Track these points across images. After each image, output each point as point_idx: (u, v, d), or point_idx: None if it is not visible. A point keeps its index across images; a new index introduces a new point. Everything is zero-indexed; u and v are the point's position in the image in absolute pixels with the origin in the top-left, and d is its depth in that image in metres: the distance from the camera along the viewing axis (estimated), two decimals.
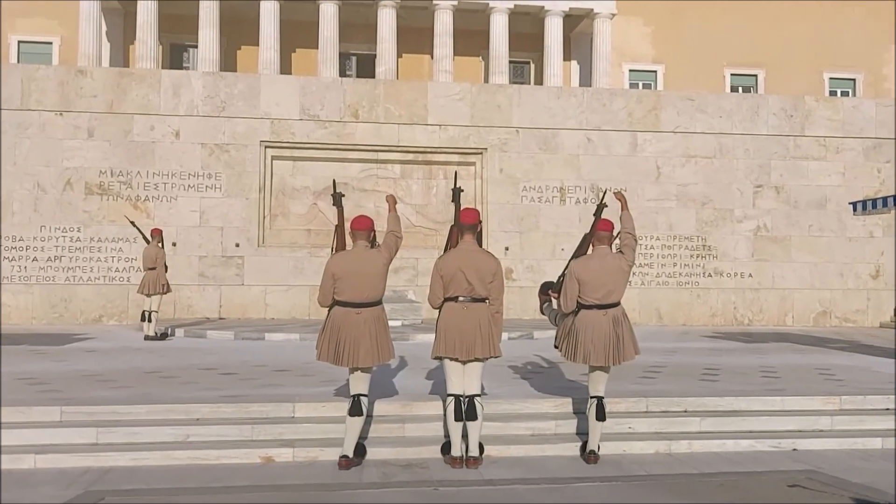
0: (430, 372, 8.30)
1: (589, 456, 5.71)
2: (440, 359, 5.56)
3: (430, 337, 7.12)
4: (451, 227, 5.61)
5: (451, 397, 5.48)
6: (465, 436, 5.51)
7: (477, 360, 5.48)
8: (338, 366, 5.55)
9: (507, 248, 16.76)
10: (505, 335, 11.16)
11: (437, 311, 5.61)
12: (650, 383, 7.84)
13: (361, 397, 5.53)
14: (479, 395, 5.51)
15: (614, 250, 5.86)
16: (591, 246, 5.89)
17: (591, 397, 5.79)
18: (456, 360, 5.47)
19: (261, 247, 16.36)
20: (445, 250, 5.62)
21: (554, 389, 7.23)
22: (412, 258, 16.47)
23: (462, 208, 5.61)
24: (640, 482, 5.23)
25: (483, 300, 5.50)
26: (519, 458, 5.80)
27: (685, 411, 6.70)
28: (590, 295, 5.69)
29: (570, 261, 5.84)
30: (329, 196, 15.65)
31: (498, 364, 8.21)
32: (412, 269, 16.55)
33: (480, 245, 5.62)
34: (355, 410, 5.49)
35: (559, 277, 5.94)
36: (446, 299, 5.50)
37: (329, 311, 5.62)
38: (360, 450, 5.68)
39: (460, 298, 5.45)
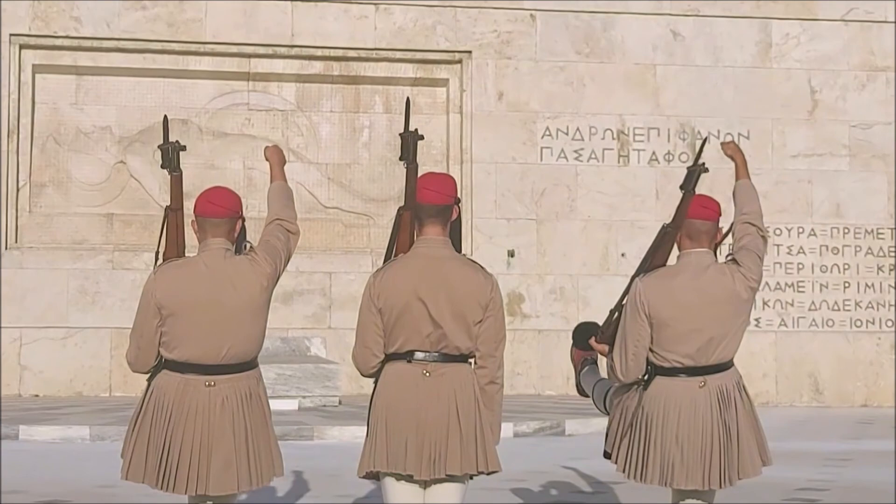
0: None
1: None
2: (374, 477, 5.58)
3: (356, 433, 7.11)
4: (399, 209, 5.63)
5: None
6: None
7: (451, 478, 5.51)
8: (165, 492, 5.53)
9: (511, 254, 16.84)
10: (507, 428, 11.20)
11: (373, 380, 5.62)
12: None
13: None
14: None
15: (721, 258, 5.93)
16: (675, 248, 5.94)
17: None
18: (409, 478, 5.49)
19: (12, 249, 16.28)
20: (387, 258, 5.64)
21: None
22: (321, 272, 16.49)
23: (421, 175, 5.63)
24: None
25: (463, 359, 5.54)
26: None
27: None
28: (673, 347, 5.75)
29: (633, 278, 5.91)
30: (154, 149, 15.48)
31: (495, 486, 8.25)
32: (320, 293, 16.56)
33: (458, 248, 5.65)
34: None
35: (612, 313, 6.00)
36: (389, 357, 5.53)
37: (150, 380, 5.62)
38: None
39: (418, 355, 5.47)
